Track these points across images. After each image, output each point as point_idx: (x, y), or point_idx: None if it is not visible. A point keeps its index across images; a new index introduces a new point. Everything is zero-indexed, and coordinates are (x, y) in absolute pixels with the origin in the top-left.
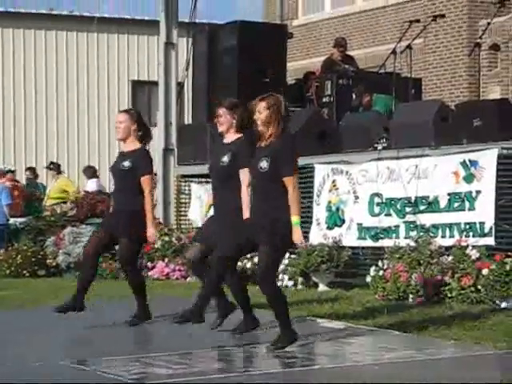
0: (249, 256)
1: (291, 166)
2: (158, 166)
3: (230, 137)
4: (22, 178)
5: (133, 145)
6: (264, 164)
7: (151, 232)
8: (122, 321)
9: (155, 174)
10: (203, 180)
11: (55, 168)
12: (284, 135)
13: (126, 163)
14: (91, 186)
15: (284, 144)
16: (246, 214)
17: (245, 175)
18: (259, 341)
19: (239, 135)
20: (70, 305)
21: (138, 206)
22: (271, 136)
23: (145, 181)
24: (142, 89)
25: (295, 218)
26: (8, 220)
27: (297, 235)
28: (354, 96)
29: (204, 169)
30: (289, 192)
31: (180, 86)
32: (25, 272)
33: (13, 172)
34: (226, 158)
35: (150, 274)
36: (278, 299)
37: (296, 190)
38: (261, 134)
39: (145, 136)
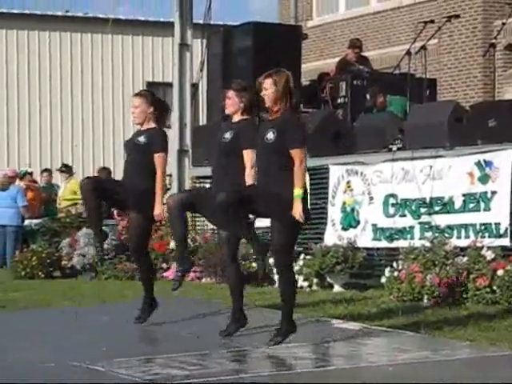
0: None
1: (299, 138)
2: (172, 168)
3: (237, 118)
4: (38, 180)
5: (148, 125)
6: (270, 135)
7: (158, 211)
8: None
9: (170, 176)
10: None
11: (67, 170)
12: (292, 109)
13: (142, 138)
14: None
15: (292, 117)
16: None
17: (248, 156)
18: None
19: (245, 116)
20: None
21: (147, 183)
22: (279, 111)
23: (158, 158)
24: (156, 90)
25: (297, 191)
26: (23, 221)
27: (297, 209)
28: (368, 96)
29: None
30: (295, 164)
31: (194, 87)
32: (40, 273)
33: (31, 174)
34: (228, 135)
35: (164, 275)
36: (289, 281)
37: (303, 163)
38: (269, 110)
39: (161, 114)
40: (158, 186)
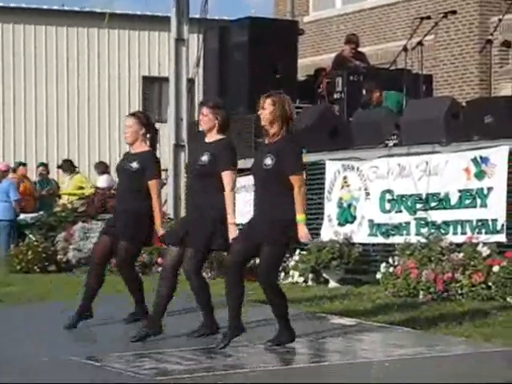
0: None
1: (298, 164)
2: (168, 162)
3: (212, 137)
4: (33, 174)
5: (141, 147)
6: (268, 161)
7: (162, 232)
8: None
9: (166, 170)
10: None
11: (68, 168)
12: (290, 134)
13: (134, 164)
14: (102, 181)
15: (290, 142)
16: (231, 219)
17: (227, 178)
18: (270, 337)
19: (221, 136)
20: (76, 319)
21: (142, 209)
22: (275, 134)
23: (152, 185)
24: (152, 85)
25: (301, 217)
26: (17, 216)
27: (303, 232)
28: (364, 92)
29: None
30: (295, 190)
31: (191, 82)
32: (35, 268)
33: (24, 165)
34: (205, 158)
35: (160, 269)
36: (278, 298)
37: (302, 188)
38: (265, 131)
39: (153, 139)
40: (157, 211)
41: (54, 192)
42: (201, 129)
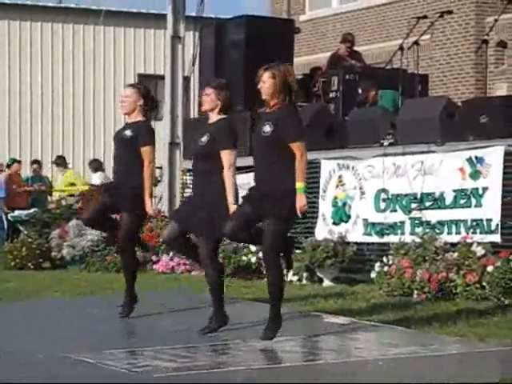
0: (253, 250)
1: (298, 131)
2: (163, 160)
3: (213, 117)
4: (27, 171)
5: (137, 117)
6: (267, 128)
7: (148, 205)
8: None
9: (160, 168)
10: None
11: (61, 163)
12: (291, 104)
13: (128, 132)
14: (96, 179)
15: (290, 111)
16: (230, 198)
17: (226, 157)
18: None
19: (222, 116)
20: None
21: (139, 180)
22: (275, 105)
23: (145, 151)
24: (148, 82)
25: (300, 185)
26: (6, 213)
27: (300, 202)
28: (360, 91)
29: None
30: (297, 158)
31: (186, 80)
32: (29, 264)
33: (19, 162)
34: (204, 138)
35: (154, 267)
36: (278, 276)
37: (304, 155)
38: (265, 103)
39: (151, 109)
40: (147, 180)
41: (46, 189)
42: (203, 109)
